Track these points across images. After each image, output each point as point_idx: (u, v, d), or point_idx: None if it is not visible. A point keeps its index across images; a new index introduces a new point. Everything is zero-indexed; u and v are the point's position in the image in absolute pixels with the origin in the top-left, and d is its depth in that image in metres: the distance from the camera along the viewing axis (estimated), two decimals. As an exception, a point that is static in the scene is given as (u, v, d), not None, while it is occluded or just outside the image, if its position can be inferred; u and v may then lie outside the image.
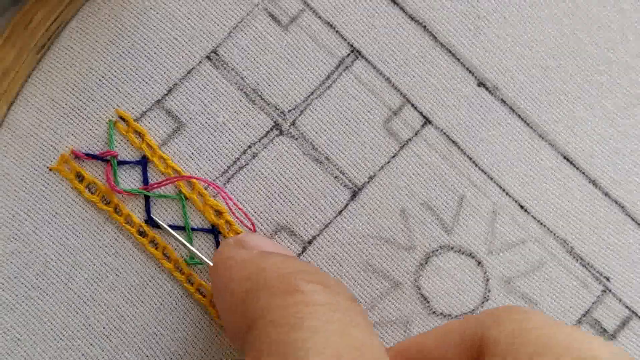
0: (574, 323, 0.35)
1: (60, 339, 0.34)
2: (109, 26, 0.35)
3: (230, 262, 0.30)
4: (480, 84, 0.36)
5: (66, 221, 0.34)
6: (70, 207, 0.34)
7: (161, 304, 0.34)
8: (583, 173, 0.36)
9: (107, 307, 0.34)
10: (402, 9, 0.36)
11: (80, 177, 0.34)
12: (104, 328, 0.34)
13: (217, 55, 0.35)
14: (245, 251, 0.30)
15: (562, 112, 0.36)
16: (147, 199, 0.34)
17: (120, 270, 0.34)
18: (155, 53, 0.35)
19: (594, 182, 0.36)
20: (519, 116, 0.36)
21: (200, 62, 0.35)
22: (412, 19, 0.36)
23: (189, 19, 0.35)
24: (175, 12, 0.35)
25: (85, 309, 0.34)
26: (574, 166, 0.36)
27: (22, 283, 0.34)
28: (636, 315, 0.35)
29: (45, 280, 0.34)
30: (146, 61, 0.35)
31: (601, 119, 0.36)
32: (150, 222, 0.34)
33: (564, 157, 0.36)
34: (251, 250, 0.30)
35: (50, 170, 0.34)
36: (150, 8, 0.35)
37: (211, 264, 0.32)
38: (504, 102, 0.36)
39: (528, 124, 0.36)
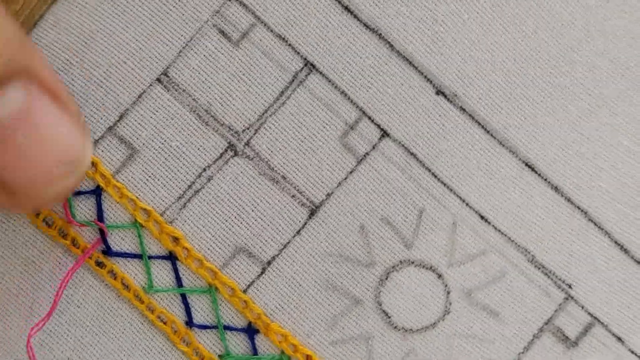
0: (536, 332, 0.35)
1: (29, 367, 0.34)
2: (57, 53, 0.34)
3: None
4: (439, 92, 0.35)
5: (24, 255, 0.34)
6: (28, 240, 0.34)
7: (122, 332, 0.35)
8: (545, 179, 0.35)
9: (70, 339, 0.34)
10: (356, 17, 0.35)
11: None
12: (67, 359, 0.35)
13: (168, 77, 0.34)
14: None
15: (524, 118, 0.35)
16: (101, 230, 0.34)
17: (81, 302, 0.34)
18: (104, 78, 0.34)
19: (556, 188, 0.35)
20: (479, 123, 0.35)
21: (150, 85, 0.34)
22: (367, 27, 0.35)
23: (137, 40, 0.34)
24: (123, 35, 0.34)
25: (48, 341, 0.34)
26: (536, 173, 0.35)
27: (-14, 318, 0.35)
28: (598, 321, 0.35)
29: (6, 315, 0.34)
30: (96, 87, 0.34)
31: (564, 123, 0.35)
32: (108, 252, 0.34)
33: (526, 164, 0.35)
34: None
35: (6, 204, 0.34)
36: (97, 31, 0.34)
37: None
38: (463, 109, 0.35)
39: (488, 132, 0.35)
